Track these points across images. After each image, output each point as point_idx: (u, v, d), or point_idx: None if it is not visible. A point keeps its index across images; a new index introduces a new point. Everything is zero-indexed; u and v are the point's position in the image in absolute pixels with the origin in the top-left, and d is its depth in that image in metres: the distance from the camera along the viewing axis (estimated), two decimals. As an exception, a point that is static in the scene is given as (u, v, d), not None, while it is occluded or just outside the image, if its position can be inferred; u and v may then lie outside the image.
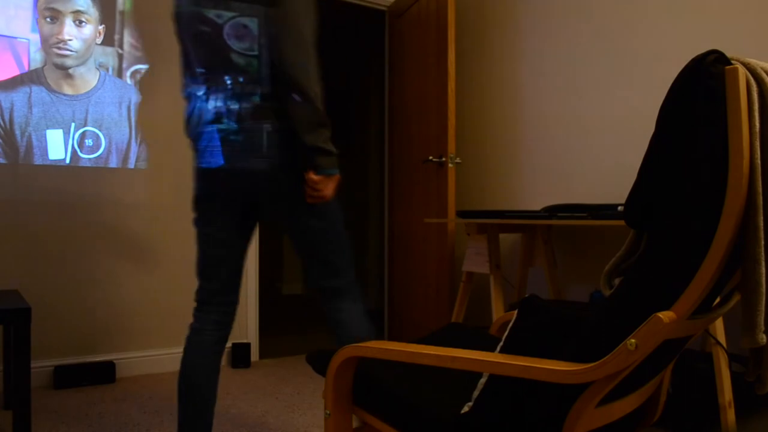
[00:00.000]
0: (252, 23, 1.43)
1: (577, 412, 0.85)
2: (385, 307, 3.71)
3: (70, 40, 2.70)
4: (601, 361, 0.80)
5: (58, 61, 2.69)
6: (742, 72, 0.77)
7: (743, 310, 0.83)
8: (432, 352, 0.97)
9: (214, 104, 1.48)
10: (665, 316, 0.77)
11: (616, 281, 0.88)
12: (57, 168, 2.69)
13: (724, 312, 0.95)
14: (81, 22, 2.72)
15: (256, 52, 1.44)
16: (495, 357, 0.90)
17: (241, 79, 1.45)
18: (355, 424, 1.21)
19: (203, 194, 1.56)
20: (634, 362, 0.79)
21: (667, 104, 0.83)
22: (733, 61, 0.80)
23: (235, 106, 1.45)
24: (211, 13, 1.46)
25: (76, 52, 2.72)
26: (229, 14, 1.44)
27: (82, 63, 2.74)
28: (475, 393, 1.00)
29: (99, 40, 2.78)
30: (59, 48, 2.68)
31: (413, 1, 3.37)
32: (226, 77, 1.46)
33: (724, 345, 1.76)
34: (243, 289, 3.16)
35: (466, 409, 1.00)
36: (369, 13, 3.84)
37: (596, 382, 0.82)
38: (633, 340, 0.78)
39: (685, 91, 0.81)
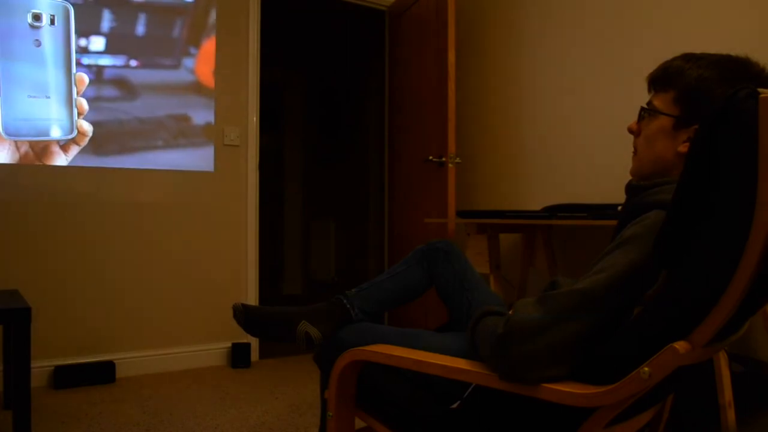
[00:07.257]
0: None
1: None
2: (385, 307, 3.70)
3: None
4: (613, 386, 0.81)
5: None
6: None
7: None
8: (439, 362, 0.97)
9: None
10: (681, 346, 0.77)
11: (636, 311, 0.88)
12: (57, 168, 2.69)
13: (737, 338, 0.94)
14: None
15: None
16: None
17: None
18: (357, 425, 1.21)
19: None
20: (646, 389, 0.79)
21: (697, 144, 0.80)
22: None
23: None
24: None
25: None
26: None
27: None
28: (466, 392, 1.04)
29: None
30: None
31: (413, 1, 3.37)
32: None
33: (724, 345, 1.76)
34: (243, 290, 3.16)
35: (455, 405, 1.04)
36: (369, 13, 3.83)
37: (606, 405, 0.83)
38: (647, 369, 0.78)
39: (715, 129, 0.78)
